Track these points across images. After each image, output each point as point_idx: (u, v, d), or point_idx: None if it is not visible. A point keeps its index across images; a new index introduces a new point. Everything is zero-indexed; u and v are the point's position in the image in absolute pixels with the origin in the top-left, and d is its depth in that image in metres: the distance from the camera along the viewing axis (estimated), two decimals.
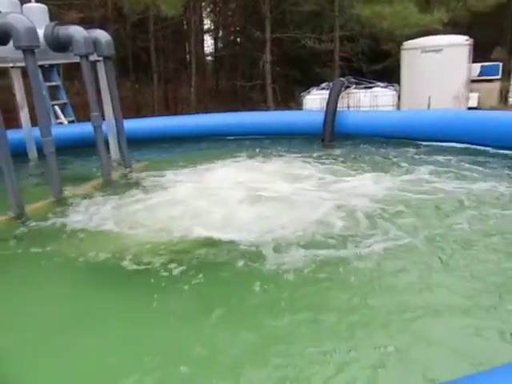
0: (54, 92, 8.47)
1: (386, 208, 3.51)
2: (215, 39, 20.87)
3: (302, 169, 4.89)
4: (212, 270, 2.70)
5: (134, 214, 3.65)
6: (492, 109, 10.94)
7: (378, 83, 7.89)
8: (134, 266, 2.74)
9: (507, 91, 12.67)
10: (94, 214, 3.75)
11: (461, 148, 5.64)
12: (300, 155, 5.67)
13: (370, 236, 3.01)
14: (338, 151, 5.96)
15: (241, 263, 2.71)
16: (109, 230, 3.35)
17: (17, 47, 3.88)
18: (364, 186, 4.16)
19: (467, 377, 1.30)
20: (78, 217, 3.70)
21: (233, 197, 3.81)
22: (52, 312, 2.41)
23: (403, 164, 5.00)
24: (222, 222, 3.30)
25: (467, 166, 4.76)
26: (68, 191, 4.45)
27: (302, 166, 5.03)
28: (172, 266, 2.71)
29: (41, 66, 7.92)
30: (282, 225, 3.22)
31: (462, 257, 2.72)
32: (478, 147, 5.50)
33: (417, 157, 5.40)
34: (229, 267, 2.70)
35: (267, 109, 13.31)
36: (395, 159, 5.32)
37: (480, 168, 4.60)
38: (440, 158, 5.19)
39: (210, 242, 3.00)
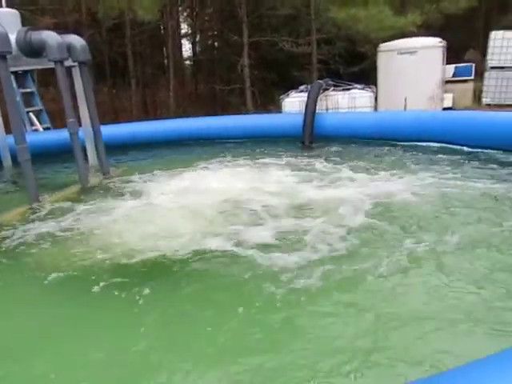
0: (28, 99, 8.29)
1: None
2: (193, 43, 20.82)
3: (278, 173, 4.88)
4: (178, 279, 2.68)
5: (108, 223, 3.58)
6: (466, 109, 11.21)
7: (356, 85, 7.99)
8: (105, 277, 2.67)
9: (480, 91, 12.98)
10: (68, 222, 3.68)
11: (438, 147, 5.74)
12: (279, 158, 5.67)
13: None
14: (317, 152, 6.01)
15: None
16: (81, 239, 3.29)
17: None
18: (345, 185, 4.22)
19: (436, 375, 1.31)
20: (53, 225, 3.62)
21: (205, 205, 3.76)
22: (13, 325, 2.35)
23: (383, 165, 5.07)
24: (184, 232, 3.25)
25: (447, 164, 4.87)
26: (45, 199, 4.36)
27: (278, 170, 5.01)
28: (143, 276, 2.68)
29: (14, 73, 7.75)
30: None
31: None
32: (455, 147, 5.61)
33: (396, 157, 5.48)
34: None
35: (247, 112, 13.33)
36: (373, 158, 5.39)
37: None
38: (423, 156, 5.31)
39: (177, 253, 2.97)
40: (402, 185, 4.11)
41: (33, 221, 3.81)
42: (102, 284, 2.58)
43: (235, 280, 2.58)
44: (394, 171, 4.64)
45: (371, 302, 2.30)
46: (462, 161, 5.03)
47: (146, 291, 2.47)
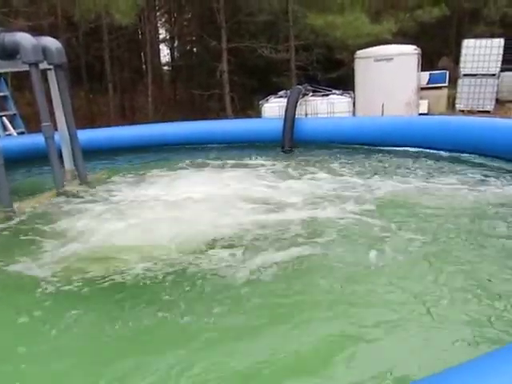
0: (1, 103, 8.08)
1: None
2: (171, 49, 20.76)
3: (259, 178, 4.87)
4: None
5: (82, 228, 3.50)
6: (441, 114, 11.49)
7: (334, 91, 8.08)
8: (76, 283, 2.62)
9: (454, 98, 13.35)
10: (41, 227, 3.58)
11: (415, 152, 5.85)
12: (259, 162, 5.68)
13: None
14: (297, 157, 6.04)
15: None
16: (54, 245, 3.20)
17: None
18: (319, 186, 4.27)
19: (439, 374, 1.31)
20: (25, 231, 3.52)
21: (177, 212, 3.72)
22: None
23: (358, 167, 5.15)
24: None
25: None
26: (18, 204, 4.23)
27: (259, 175, 5.00)
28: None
29: None
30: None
31: None
32: (431, 151, 5.72)
33: (373, 162, 5.55)
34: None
35: (226, 117, 13.32)
36: (352, 162, 5.46)
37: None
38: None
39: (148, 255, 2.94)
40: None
41: (4, 227, 3.69)
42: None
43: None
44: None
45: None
46: (434, 164, 5.14)
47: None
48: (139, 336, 2.17)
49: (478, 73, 12.74)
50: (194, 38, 19.34)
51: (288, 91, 7.68)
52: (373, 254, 2.79)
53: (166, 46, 20.72)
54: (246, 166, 5.53)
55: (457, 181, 4.34)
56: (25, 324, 2.30)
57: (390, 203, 3.80)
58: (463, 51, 12.83)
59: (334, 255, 2.85)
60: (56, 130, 5.10)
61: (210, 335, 2.10)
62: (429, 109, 11.88)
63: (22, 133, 8.06)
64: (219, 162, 5.81)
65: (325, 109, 7.68)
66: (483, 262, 2.67)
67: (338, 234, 3.15)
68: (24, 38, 4.31)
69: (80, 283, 2.63)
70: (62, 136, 5.38)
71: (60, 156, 5.11)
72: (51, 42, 4.70)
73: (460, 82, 13.07)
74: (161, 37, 19.89)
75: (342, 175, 4.77)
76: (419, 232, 3.08)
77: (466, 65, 12.84)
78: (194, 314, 2.28)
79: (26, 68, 4.50)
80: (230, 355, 1.97)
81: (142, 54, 18.20)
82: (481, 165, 4.94)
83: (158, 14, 18.19)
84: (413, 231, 3.11)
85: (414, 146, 5.99)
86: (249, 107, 14.78)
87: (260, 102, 8.40)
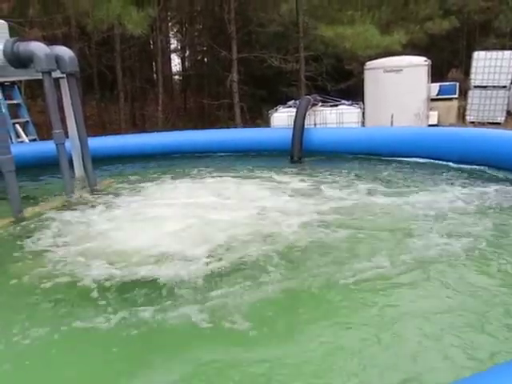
0: (15, 110, 8.23)
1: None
2: (182, 58, 21.00)
3: (268, 188, 4.85)
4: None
5: (92, 235, 3.52)
6: (451, 126, 11.43)
7: (344, 101, 8.09)
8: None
9: (464, 109, 13.28)
10: (50, 234, 3.61)
11: (425, 163, 5.82)
12: (268, 172, 5.68)
13: None
14: (306, 167, 6.04)
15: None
16: (64, 251, 3.21)
17: None
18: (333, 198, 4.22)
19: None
20: (35, 237, 3.55)
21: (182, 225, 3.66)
22: None
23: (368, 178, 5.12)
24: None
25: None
26: (28, 211, 4.27)
27: (269, 186, 4.99)
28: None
29: (1, 84, 7.69)
30: None
31: None
32: (441, 162, 5.69)
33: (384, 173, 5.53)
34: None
35: (235, 127, 13.39)
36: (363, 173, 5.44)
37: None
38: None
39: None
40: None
41: (15, 233, 3.73)
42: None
43: None
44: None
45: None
46: (443, 176, 5.10)
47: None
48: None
49: (489, 85, 12.69)
50: (204, 48, 19.54)
51: (297, 101, 7.70)
52: None
53: (176, 55, 20.98)
54: (255, 176, 5.53)
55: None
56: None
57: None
58: (474, 63, 12.80)
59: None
60: (67, 137, 5.17)
61: None
62: (439, 120, 11.83)
63: (34, 140, 8.18)
64: (228, 171, 5.82)
65: (334, 119, 7.68)
66: None
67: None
68: (38, 47, 4.39)
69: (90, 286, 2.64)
70: (72, 143, 5.45)
71: (70, 163, 5.17)
72: (64, 51, 4.78)
73: (470, 93, 13.02)
74: (172, 47, 20.14)
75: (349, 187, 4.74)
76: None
77: (477, 77, 12.80)
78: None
79: (39, 76, 4.58)
80: None
81: (154, 63, 18.42)
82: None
83: (169, 24, 18.43)
84: None
85: (424, 157, 5.97)
86: (258, 117, 14.85)
87: (269, 112, 8.43)
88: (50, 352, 2.13)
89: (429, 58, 10.75)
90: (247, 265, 2.89)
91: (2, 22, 4.81)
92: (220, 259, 2.94)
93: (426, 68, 10.55)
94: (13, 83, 8.25)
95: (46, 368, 2.06)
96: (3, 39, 4.45)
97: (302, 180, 5.19)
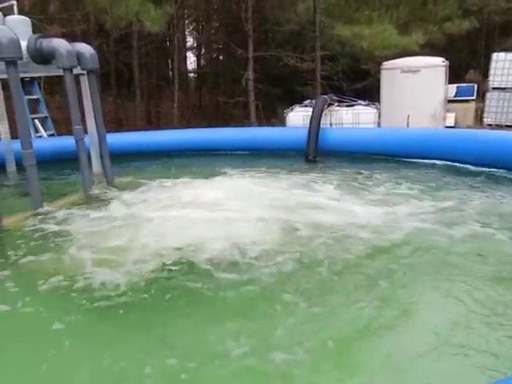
0: (34, 105, 8.36)
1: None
2: (198, 56, 21.06)
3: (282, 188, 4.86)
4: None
5: (109, 230, 3.57)
6: (468, 128, 11.29)
7: (360, 101, 8.05)
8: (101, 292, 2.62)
9: (482, 111, 13.09)
10: (69, 228, 3.67)
11: (441, 165, 5.77)
12: (281, 172, 5.68)
13: None
14: (321, 167, 6.04)
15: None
16: (81, 245, 3.26)
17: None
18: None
19: None
20: (56, 231, 3.62)
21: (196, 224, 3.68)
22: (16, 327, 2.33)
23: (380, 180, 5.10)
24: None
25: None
26: (47, 205, 4.35)
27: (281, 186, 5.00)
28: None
29: (22, 79, 7.82)
30: None
31: None
32: (458, 164, 5.63)
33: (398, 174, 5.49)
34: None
35: (250, 125, 13.41)
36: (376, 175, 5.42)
37: None
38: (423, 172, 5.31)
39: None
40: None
41: (35, 226, 3.80)
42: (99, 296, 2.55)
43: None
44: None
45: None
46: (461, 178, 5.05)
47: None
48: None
49: (508, 86, 12.47)
50: (220, 46, 19.59)
51: (313, 100, 7.69)
52: None
53: (192, 53, 21.06)
54: (269, 173, 5.55)
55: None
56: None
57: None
58: (492, 64, 12.60)
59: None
60: (86, 133, 5.24)
61: None
62: (456, 122, 11.69)
63: (52, 135, 8.31)
64: (241, 170, 5.84)
65: (350, 119, 7.66)
66: None
67: None
68: (60, 44, 4.47)
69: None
70: (91, 139, 5.53)
71: (88, 159, 5.25)
72: (85, 48, 4.85)
73: (489, 95, 12.82)
74: (188, 44, 20.23)
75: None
76: None
77: (496, 78, 12.60)
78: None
79: (58, 72, 4.65)
80: None
81: (170, 61, 18.52)
82: None
83: (186, 22, 18.52)
84: None
85: (439, 159, 5.92)
86: (272, 115, 14.85)
87: (285, 111, 8.43)
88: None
89: (446, 59, 10.62)
90: None
91: (26, 18, 4.91)
92: None
93: (444, 69, 10.43)
94: (32, 79, 8.39)
95: None
96: (27, 35, 4.53)
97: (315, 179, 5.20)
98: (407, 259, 2.90)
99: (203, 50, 20.77)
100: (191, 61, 21.43)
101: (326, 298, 2.49)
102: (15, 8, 5.59)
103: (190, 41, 20.54)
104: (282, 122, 8.97)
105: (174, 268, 2.88)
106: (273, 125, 12.86)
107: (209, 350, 2.05)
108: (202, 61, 21.32)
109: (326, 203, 4.09)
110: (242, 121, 14.94)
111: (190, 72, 21.20)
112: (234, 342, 2.07)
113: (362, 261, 2.89)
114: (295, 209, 3.95)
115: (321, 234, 3.31)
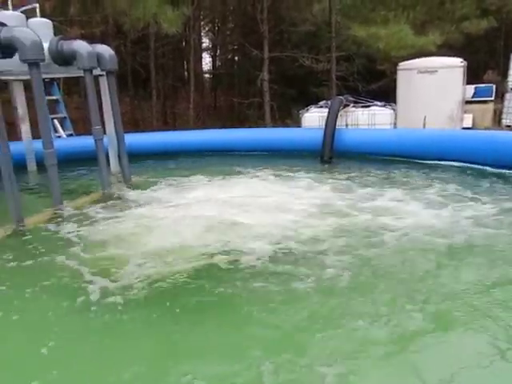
0: (53, 106, 8.51)
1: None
2: (213, 57, 21.18)
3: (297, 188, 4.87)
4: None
5: (127, 230, 3.62)
6: (486, 129, 11.12)
7: (376, 102, 8.01)
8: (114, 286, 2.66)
9: (501, 113, 12.89)
10: (89, 227, 3.74)
11: (459, 167, 5.70)
12: (299, 171, 5.70)
13: None
14: (337, 168, 6.04)
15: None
16: (99, 247, 3.31)
17: (23, 60, 3.92)
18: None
19: None
20: (76, 229, 3.69)
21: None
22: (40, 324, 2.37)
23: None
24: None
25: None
26: (67, 204, 4.44)
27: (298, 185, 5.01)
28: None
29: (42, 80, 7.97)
30: None
31: None
32: (476, 166, 5.57)
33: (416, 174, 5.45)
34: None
35: (265, 126, 13.44)
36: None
37: None
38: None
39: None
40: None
41: (57, 225, 3.88)
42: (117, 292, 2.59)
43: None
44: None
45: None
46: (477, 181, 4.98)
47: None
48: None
49: None
50: (235, 47, 19.65)
51: (329, 101, 7.68)
52: None
53: (208, 54, 21.19)
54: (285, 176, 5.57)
55: None
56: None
57: None
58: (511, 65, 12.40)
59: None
60: (104, 133, 5.33)
61: None
62: (473, 123, 11.54)
63: (71, 135, 8.45)
64: (257, 171, 5.88)
65: (366, 120, 7.63)
66: None
67: None
68: (81, 46, 4.57)
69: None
70: (110, 139, 5.62)
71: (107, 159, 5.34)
72: (105, 50, 4.95)
73: (508, 96, 12.61)
74: (204, 45, 20.36)
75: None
76: None
77: None
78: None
79: (78, 74, 4.75)
80: None
81: (185, 62, 18.66)
82: None
83: (202, 23, 18.64)
84: None
85: (457, 161, 5.86)
86: (287, 116, 14.84)
87: (300, 112, 8.43)
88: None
89: (464, 59, 10.49)
90: None
91: (48, 21, 5.03)
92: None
93: (462, 69, 10.29)
94: (52, 80, 8.54)
95: None
96: (48, 37, 4.64)
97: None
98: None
99: (219, 51, 20.88)
100: (207, 62, 21.57)
101: None
102: (37, 10, 5.72)
103: (205, 42, 20.67)
104: (296, 122, 8.97)
105: (216, 267, 2.93)
106: (287, 125, 12.87)
107: None
108: (218, 62, 21.43)
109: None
110: (256, 122, 14.97)
111: (206, 73, 21.32)
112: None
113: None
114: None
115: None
